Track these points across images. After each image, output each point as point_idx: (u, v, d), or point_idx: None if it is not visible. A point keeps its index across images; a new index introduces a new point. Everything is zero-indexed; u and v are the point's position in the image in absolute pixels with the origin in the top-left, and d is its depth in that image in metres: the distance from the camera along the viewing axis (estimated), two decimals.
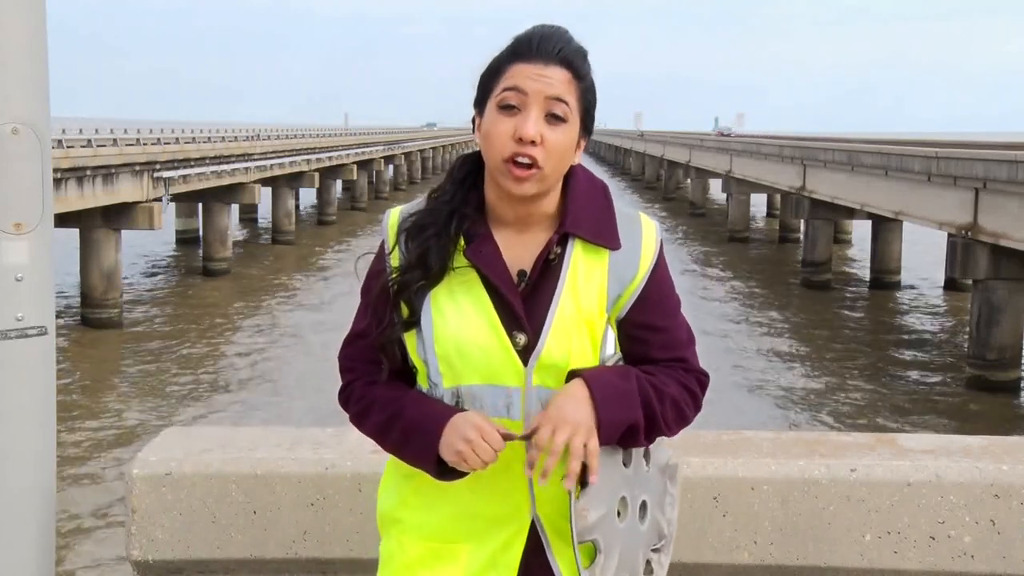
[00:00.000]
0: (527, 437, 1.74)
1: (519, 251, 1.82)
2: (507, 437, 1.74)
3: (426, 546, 1.88)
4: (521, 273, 1.81)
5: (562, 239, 1.82)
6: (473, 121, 1.86)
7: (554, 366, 1.78)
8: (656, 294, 1.86)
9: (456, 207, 1.83)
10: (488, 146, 1.78)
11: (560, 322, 1.78)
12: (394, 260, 1.84)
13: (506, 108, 1.76)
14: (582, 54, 1.80)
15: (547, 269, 1.81)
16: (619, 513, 1.82)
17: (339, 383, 1.96)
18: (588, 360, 1.81)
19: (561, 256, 1.81)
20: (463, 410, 1.79)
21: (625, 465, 1.84)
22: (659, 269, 1.86)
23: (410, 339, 1.84)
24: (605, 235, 1.82)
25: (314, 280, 30.96)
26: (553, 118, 1.76)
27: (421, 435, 1.78)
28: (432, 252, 1.79)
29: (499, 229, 1.83)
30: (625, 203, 1.94)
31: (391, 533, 1.93)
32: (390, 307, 1.83)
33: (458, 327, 1.78)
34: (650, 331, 1.86)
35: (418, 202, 1.89)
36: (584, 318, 1.80)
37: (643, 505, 1.86)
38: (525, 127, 1.74)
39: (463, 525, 1.85)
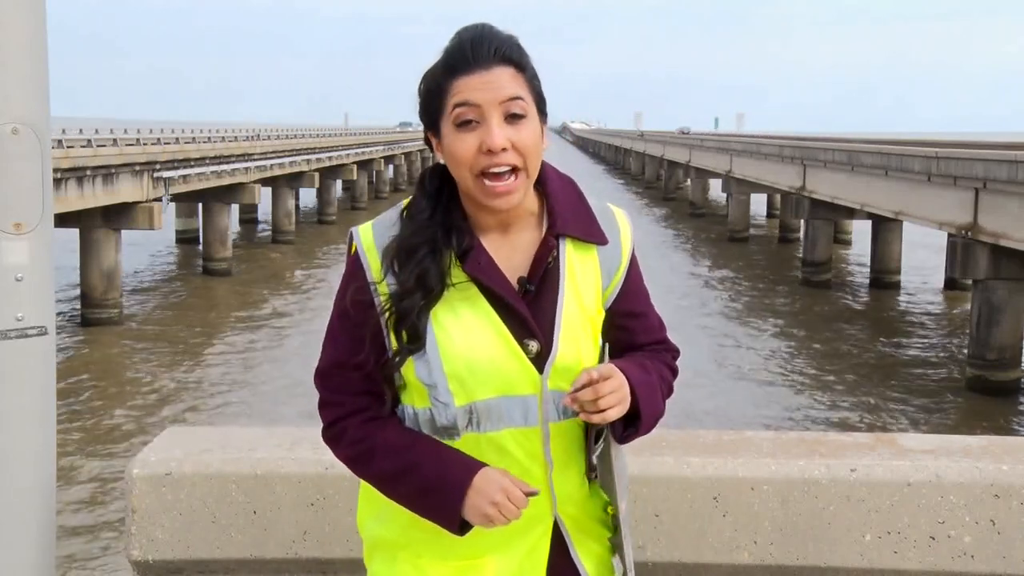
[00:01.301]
0: (578, 389, 1.73)
1: (508, 255, 1.80)
2: (530, 494, 1.74)
3: (448, 566, 1.82)
4: (521, 280, 1.78)
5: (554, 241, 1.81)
6: (426, 140, 1.81)
7: (567, 369, 1.77)
8: (635, 283, 1.89)
9: (446, 222, 1.78)
10: (456, 166, 1.74)
11: (568, 324, 1.77)
12: (382, 288, 1.76)
13: (464, 124, 1.72)
14: (515, 44, 1.76)
15: (544, 272, 1.79)
16: None
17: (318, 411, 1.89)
18: (592, 356, 1.82)
19: (556, 258, 1.80)
20: (482, 463, 1.75)
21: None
22: (634, 258, 1.89)
23: (407, 364, 1.78)
24: (593, 232, 1.82)
25: (314, 280, 30.95)
26: (513, 117, 1.72)
27: (444, 496, 1.73)
28: (431, 273, 1.74)
29: (483, 236, 1.80)
30: (625, 202, 1.95)
31: (400, 558, 1.85)
32: (388, 336, 1.77)
33: (467, 343, 1.74)
34: (633, 318, 1.89)
35: (389, 218, 1.82)
36: (587, 316, 1.80)
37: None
38: (491, 139, 1.70)
39: (485, 537, 1.79)
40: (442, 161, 1.79)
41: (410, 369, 1.77)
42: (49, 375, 2.33)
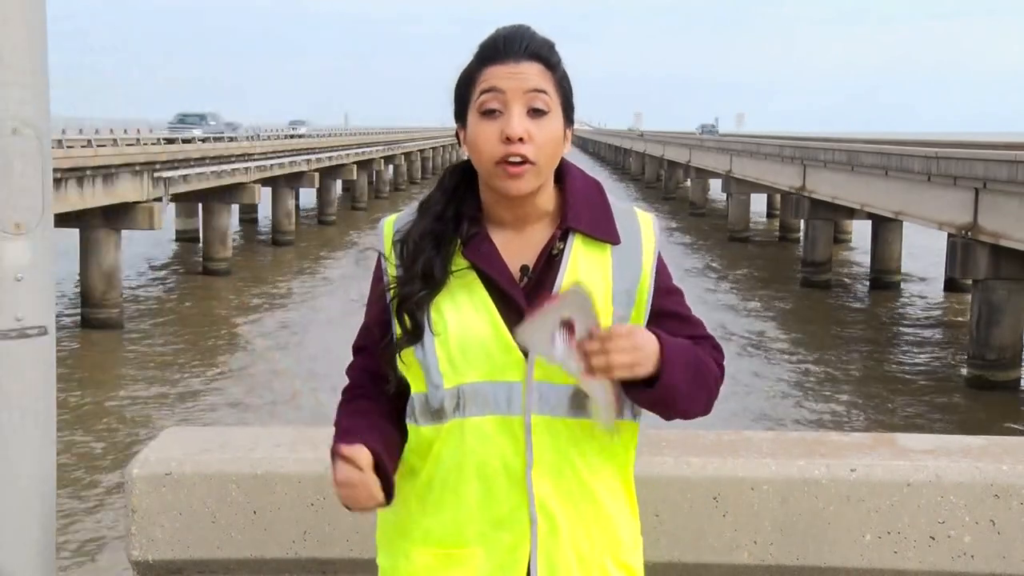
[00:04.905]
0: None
1: (519, 249, 1.83)
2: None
3: (434, 552, 1.83)
4: (524, 268, 1.82)
5: (563, 234, 1.83)
6: (457, 135, 1.86)
7: None
8: (668, 283, 1.90)
9: (458, 214, 1.83)
10: (477, 154, 1.79)
11: None
12: (391, 270, 1.85)
13: (488, 113, 1.77)
14: (548, 45, 1.82)
15: (549, 264, 1.82)
16: None
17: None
18: None
19: (562, 251, 1.83)
20: (357, 443, 1.77)
21: None
22: (661, 260, 1.90)
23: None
24: (604, 229, 1.84)
25: (314, 280, 30.95)
26: (536, 112, 1.77)
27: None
28: (433, 263, 1.80)
29: (496, 231, 1.84)
30: (620, 197, 1.95)
31: (397, 547, 1.88)
32: (392, 318, 1.84)
33: (459, 326, 1.78)
34: (675, 320, 1.88)
35: (410, 210, 1.89)
36: None
37: None
38: (511, 126, 1.75)
39: (470, 527, 1.81)
40: (466, 155, 1.84)
41: (411, 353, 1.83)
42: (49, 375, 2.33)
